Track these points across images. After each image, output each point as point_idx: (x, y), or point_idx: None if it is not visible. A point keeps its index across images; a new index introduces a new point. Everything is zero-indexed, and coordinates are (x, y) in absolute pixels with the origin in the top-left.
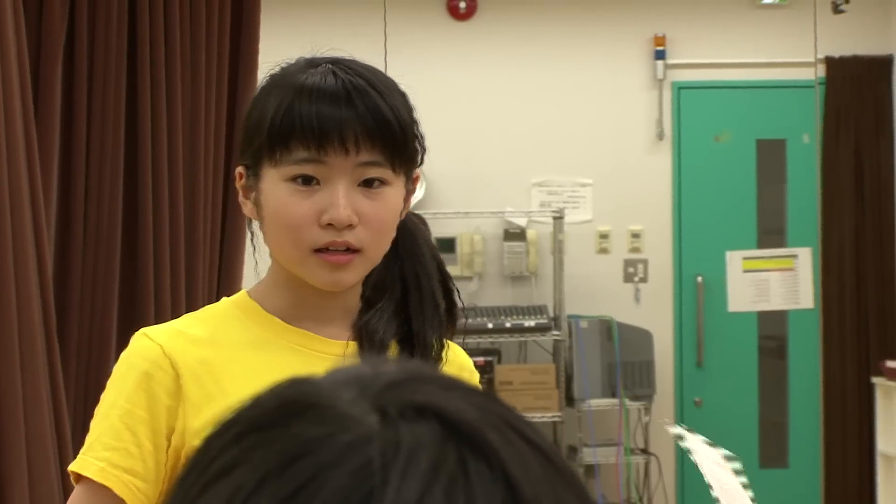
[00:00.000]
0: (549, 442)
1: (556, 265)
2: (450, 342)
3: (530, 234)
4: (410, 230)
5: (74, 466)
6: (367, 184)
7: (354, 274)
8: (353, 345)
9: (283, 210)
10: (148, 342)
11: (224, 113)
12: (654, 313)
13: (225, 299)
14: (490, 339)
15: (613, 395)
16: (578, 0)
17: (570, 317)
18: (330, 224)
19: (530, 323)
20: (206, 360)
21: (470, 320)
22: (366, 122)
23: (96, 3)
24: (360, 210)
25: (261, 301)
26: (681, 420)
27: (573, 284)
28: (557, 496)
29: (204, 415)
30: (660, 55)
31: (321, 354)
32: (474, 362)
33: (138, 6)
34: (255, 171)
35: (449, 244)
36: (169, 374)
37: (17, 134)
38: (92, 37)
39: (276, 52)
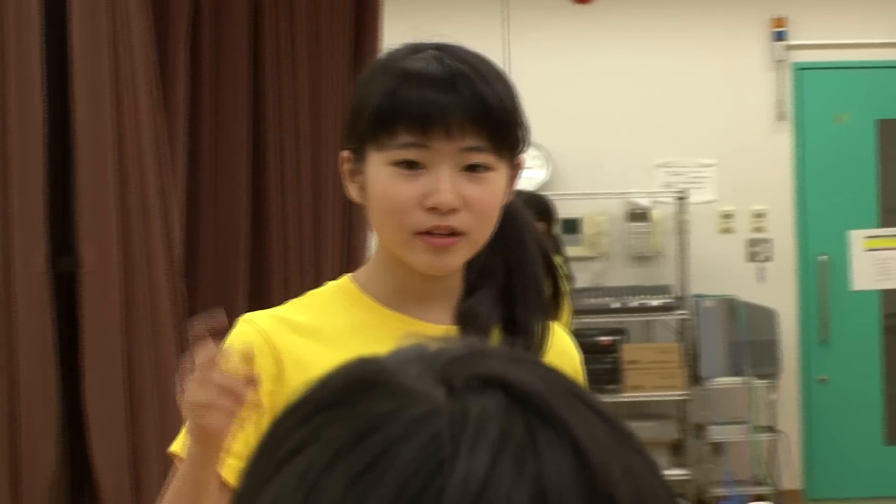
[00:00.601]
0: (613, 412)
1: (679, 245)
2: (556, 325)
3: (654, 214)
4: (515, 215)
5: (177, 447)
6: (471, 168)
7: (457, 257)
8: (455, 331)
9: (387, 193)
10: (250, 328)
11: (347, 98)
12: (777, 292)
13: (329, 284)
14: (616, 319)
15: (738, 374)
16: None
17: (694, 296)
18: (434, 208)
19: (655, 302)
20: (309, 347)
21: (595, 300)
22: (469, 107)
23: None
24: (464, 194)
25: (364, 286)
26: (807, 397)
27: (697, 264)
28: (625, 461)
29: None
30: (780, 36)
31: (425, 340)
32: (600, 342)
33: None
34: (360, 155)
35: (574, 225)
36: (270, 359)
37: (144, 121)
38: (216, 25)
39: (396, 38)
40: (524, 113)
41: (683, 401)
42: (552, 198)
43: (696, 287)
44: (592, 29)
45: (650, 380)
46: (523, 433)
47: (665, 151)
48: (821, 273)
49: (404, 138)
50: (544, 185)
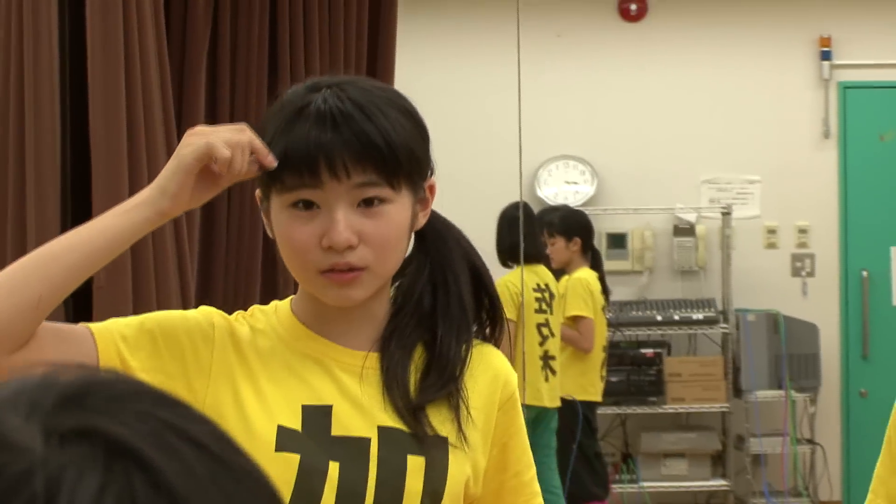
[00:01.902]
0: (220, 437)
1: (724, 260)
2: (491, 348)
3: (699, 229)
4: (440, 233)
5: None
6: (367, 203)
7: (362, 290)
8: (373, 356)
9: (287, 235)
10: (205, 316)
11: None
12: (820, 307)
13: (274, 302)
14: (660, 332)
15: (779, 387)
16: (746, 2)
17: (737, 310)
18: (331, 247)
19: (698, 316)
20: (232, 357)
21: (640, 313)
22: (352, 146)
23: (238, 8)
24: (360, 230)
25: (294, 308)
26: (847, 411)
27: (741, 278)
28: (225, 493)
29: (215, 382)
30: (826, 56)
31: (342, 364)
32: (644, 354)
33: (279, 11)
34: (266, 196)
35: (620, 240)
36: (214, 338)
37: (158, 138)
38: (234, 41)
39: (415, 50)
40: (422, 141)
41: (725, 413)
42: (598, 213)
43: (740, 301)
44: (641, 46)
45: (692, 392)
46: (123, 485)
47: (711, 168)
48: (863, 288)
49: (295, 180)
50: (591, 200)
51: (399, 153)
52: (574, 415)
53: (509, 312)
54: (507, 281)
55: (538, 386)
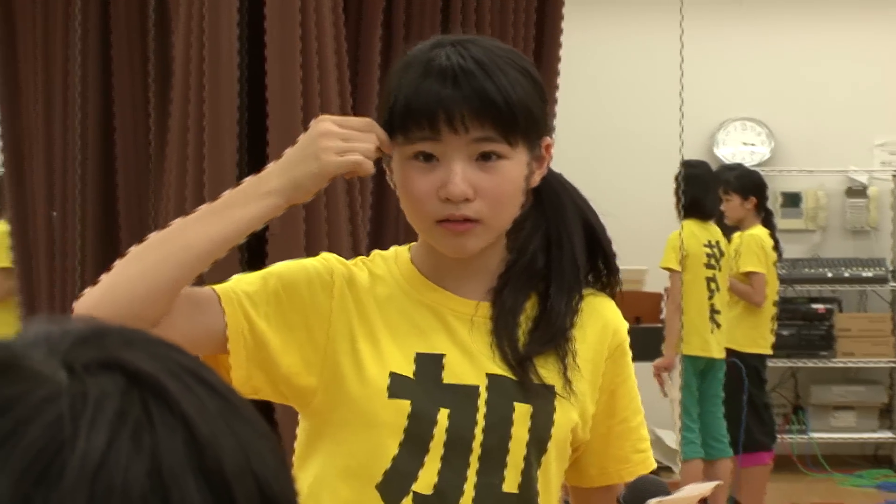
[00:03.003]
0: (228, 385)
1: (895, 220)
2: (604, 298)
3: (872, 190)
4: (556, 191)
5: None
6: (484, 158)
7: (476, 241)
8: (485, 306)
9: (407, 186)
10: (324, 263)
11: None
12: None
13: (393, 248)
14: (831, 289)
15: None
16: None
17: None
18: (447, 198)
19: (868, 274)
20: (351, 299)
21: (812, 270)
22: (471, 102)
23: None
24: (476, 184)
25: (413, 256)
26: None
27: None
28: (234, 431)
29: (334, 329)
30: None
31: (454, 312)
32: (815, 310)
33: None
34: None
35: (794, 199)
36: (334, 284)
37: (332, 96)
38: (408, 12)
39: (579, 39)
40: (539, 101)
41: (893, 368)
42: (773, 173)
43: None
44: (816, 10)
45: (861, 347)
46: (140, 412)
47: (885, 131)
48: None
49: (416, 133)
50: (767, 161)
51: (516, 111)
52: (740, 368)
53: (676, 264)
54: (678, 235)
55: (706, 337)
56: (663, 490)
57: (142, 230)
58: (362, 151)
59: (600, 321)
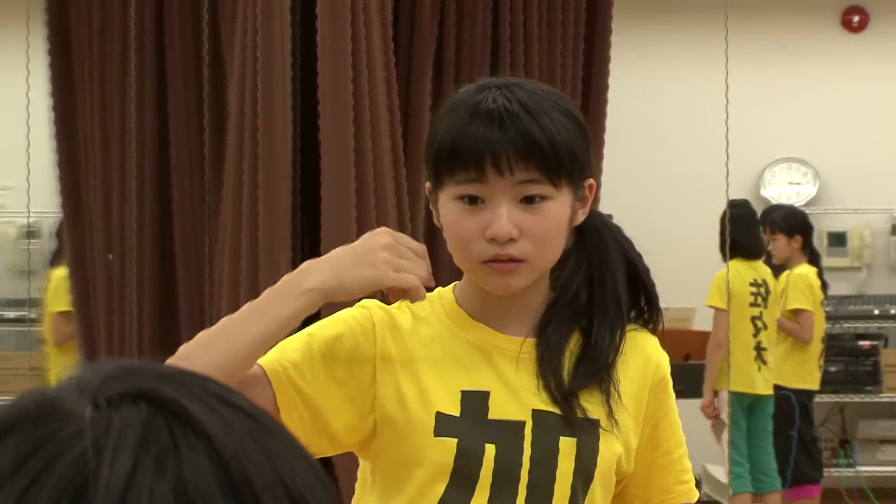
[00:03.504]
0: (258, 408)
1: None
2: (646, 333)
3: None
4: (598, 230)
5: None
6: (529, 200)
7: (521, 280)
8: (529, 342)
9: (453, 227)
10: (366, 312)
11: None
12: None
13: (437, 289)
14: (877, 325)
15: None
16: None
17: None
18: (493, 238)
19: None
20: (396, 346)
21: (858, 307)
22: (517, 144)
23: (463, 13)
24: (521, 224)
25: (457, 295)
26: None
27: None
28: (261, 446)
29: (380, 374)
30: None
31: (500, 349)
32: (860, 346)
33: (500, 15)
34: (434, 189)
35: (840, 238)
36: (371, 334)
37: (384, 136)
38: (458, 45)
39: (627, 82)
40: (583, 142)
41: None
42: (820, 212)
43: None
44: (862, 55)
45: None
46: (164, 436)
47: None
48: None
49: (462, 175)
50: (812, 200)
51: (561, 153)
52: (791, 403)
53: (721, 303)
54: (723, 274)
55: (751, 375)
56: None
57: (198, 272)
58: (418, 276)
59: (642, 356)
